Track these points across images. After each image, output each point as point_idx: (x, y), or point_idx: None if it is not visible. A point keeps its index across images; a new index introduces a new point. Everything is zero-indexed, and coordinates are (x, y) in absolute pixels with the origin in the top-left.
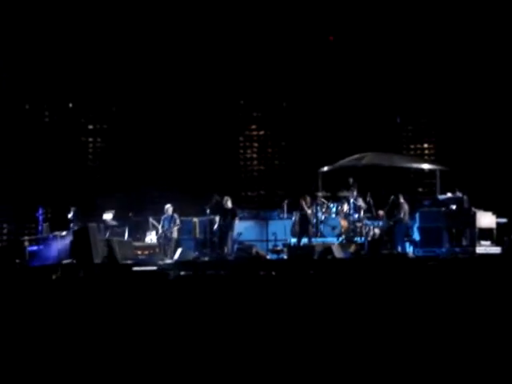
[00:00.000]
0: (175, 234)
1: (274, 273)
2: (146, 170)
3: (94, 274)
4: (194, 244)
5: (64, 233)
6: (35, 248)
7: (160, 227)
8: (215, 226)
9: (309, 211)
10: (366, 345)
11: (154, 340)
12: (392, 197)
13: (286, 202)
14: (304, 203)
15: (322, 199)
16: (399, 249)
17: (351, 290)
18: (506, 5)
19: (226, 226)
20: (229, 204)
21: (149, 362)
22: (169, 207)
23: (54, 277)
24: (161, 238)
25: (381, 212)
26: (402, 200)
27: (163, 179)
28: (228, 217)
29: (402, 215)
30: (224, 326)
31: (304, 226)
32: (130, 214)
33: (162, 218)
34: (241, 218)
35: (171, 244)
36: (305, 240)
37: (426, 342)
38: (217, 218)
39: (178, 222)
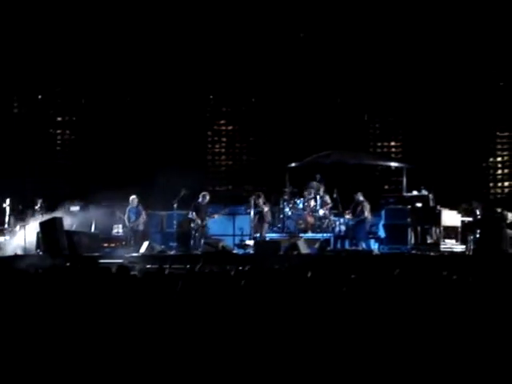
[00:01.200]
0: (141, 227)
1: (240, 268)
2: (113, 162)
3: (59, 265)
4: (160, 238)
5: (31, 224)
6: (2, 239)
7: (126, 219)
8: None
9: (265, 209)
10: (335, 341)
11: (122, 335)
12: (355, 195)
13: (253, 197)
14: (259, 200)
15: (289, 195)
16: (363, 245)
17: (318, 286)
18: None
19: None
20: (206, 199)
21: (121, 355)
22: (134, 198)
23: (20, 268)
24: (127, 230)
25: (347, 215)
26: (361, 198)
27: (130, 172)
28: (203, 212)
29: (366, 214)
30: (191, 320)
31: (260, 223)
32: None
33: (127, 209)
34: (209, 213)
35: (137, 237)
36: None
37: (392, 341)
38: (187, 213)
39: (143, 214)
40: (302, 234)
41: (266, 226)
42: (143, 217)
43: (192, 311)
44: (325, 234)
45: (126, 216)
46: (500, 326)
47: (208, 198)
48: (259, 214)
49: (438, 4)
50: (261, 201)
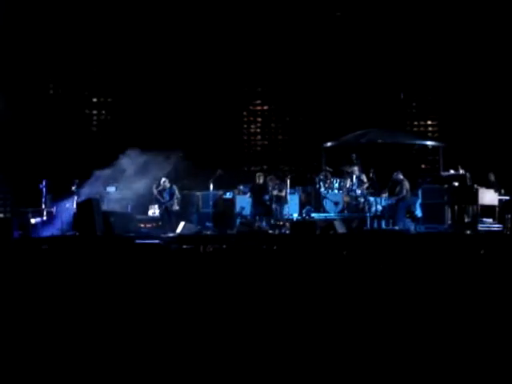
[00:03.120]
0: (176, 207)
1: (275, 247)
2: (150, 143)
3: (95, 246)
4: (196, 218)
5: (67, 205)
6: (39, 220)
7: (161, 199)
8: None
9: (274, 192)
10: (367, 323)
11: (154, 315)
12: (394, 174)
13: (289, 176)
14: (270, 183)
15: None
16: (401, 225)
17: (354, 266)
18: None
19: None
20: (261, 180)
21: (150, 335)
22: (164, 180)
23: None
24: (162, 210)
25: (384, 194)
26: (401, 177)
27: (167, 153)
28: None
29: (404, 193)
30: (226, 301)
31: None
32: None
33: (159, 190)
34: (244, 193)
35: (173, 217)
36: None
37: (428, 320)
38: (220, 192)
39: (176, 193)
40: (338, 214)
41: (273, 209)
42: (177, 196)
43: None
44: (361, 214)
45: (160, 197)
46: None
47: (263, 177)
48: (275, 196)
49: None
50: (271, 184)
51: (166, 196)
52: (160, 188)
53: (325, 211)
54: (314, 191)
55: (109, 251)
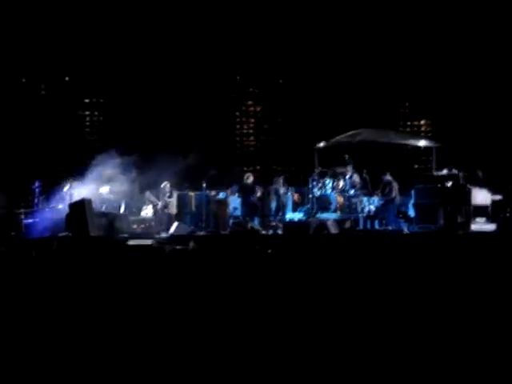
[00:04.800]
0: (175, 210)
1: (269, 250)
2: (142, 144)
3: (89, 246)
4: (190, 218)
5: (60, 206)
6: (31, 220)
7: (159, 201)
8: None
9: (258, 193)
10: (362, 322)
11: (148, 315)
12: (384, 175)
13: (282, 177)
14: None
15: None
16: (394, 225)
17: (348, 266)
18: None
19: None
20: (250, 180)
21: (143, 335)
22: (166, 184)
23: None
24: (160, 211)
25: (377, 192)
26: (389, 178)
27: (159, 153)
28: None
29: (393, 194)
30: (220, 301)
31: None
32: None
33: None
34: (233, 193)
35: (168, 218)
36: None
37: (422, 320)
38: (213, 193)
39: (175, 195)
40: (331, 215)
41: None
42: (175, 198)
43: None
44: (354, 215)
45: (159, 199)
46: None
47: (252, 178)
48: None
49: None
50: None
51: (166, 198)
52: (163, 192)
53: (318, 212)
54: (306, 192)
55: (102, 252)
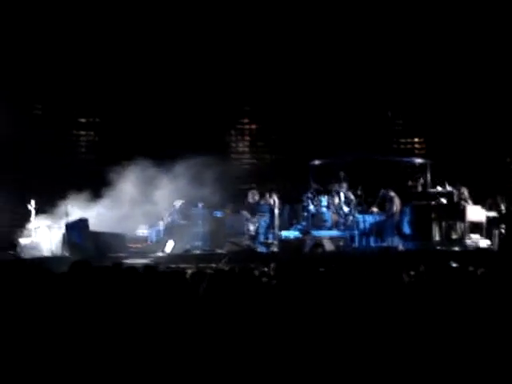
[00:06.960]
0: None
1: (266, 269)
2: (138, 162)
3: (85, 266)
4: (186, 236)
5: (57, 225)
6: (28, 240)
7: (168, 218)
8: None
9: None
10: (357, 338)
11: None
12: (382, 190)
13: (276, 195)
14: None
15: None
16: (389, 242)
17: (347, 284)
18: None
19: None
20: (256, 198)
21: (138, 352)
22: (178, 201)
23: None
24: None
25: (374, 209)
26: (392, 194)
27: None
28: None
29: (394, 210)
30: (220, 319)
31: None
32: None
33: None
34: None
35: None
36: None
37: (416, 336)
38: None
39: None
40: (326, 232)
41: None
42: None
43: (216, 311)
44: (350, 232)
45: (169, 216)
46: None
47: (258, 195)
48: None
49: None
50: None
51: (178, 215)
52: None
53: (313, 229)
54: (301, 209)
55: (97, 273)
